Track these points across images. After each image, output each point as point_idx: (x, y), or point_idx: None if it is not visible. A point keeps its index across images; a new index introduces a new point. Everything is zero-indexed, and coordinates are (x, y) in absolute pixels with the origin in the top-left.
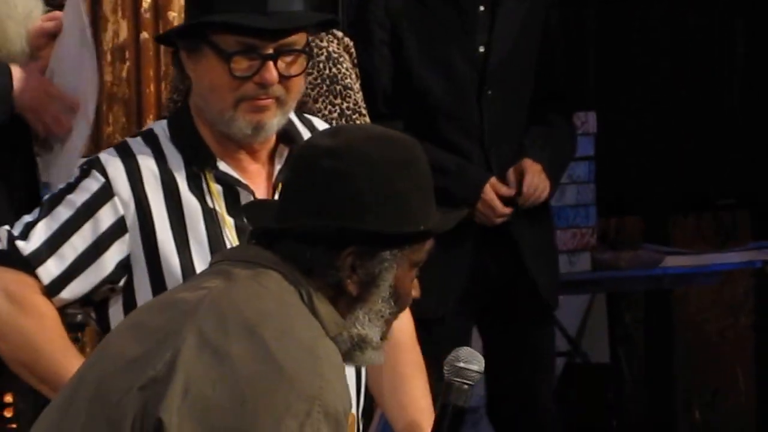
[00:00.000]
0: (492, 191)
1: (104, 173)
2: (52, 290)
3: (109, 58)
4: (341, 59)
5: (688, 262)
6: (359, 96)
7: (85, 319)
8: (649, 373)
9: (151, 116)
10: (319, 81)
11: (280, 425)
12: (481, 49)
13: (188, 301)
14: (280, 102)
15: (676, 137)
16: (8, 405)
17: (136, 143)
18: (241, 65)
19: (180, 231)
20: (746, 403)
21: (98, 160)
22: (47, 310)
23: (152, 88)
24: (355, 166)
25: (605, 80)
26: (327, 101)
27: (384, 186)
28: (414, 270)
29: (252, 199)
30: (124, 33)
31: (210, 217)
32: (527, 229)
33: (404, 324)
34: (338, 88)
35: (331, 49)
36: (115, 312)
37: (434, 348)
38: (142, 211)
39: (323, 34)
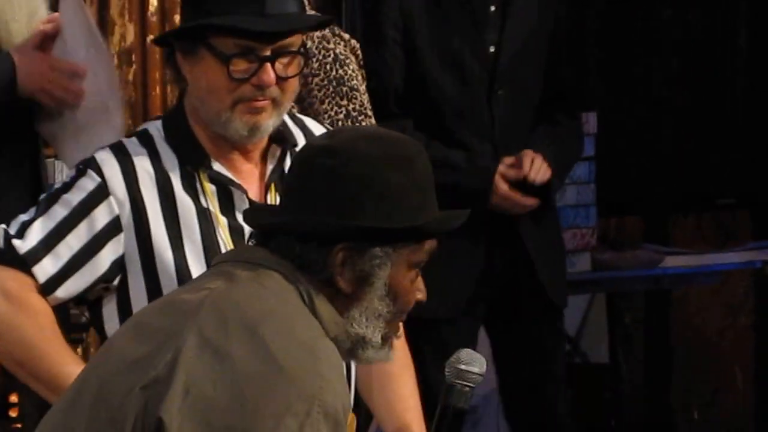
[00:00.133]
0: (504, 183)
1: (100, 173)
2: (47, 289)
3: (116, 61)
4: (348, 61)
5: (688, 262)
6: (365, 97)
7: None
8: (648, 373)
9: None
10: (325, 82)
11: (279, 425)
12: (492, 49)
13: (190, 302)
14: (275, 103)
15: (676, 137)
16: (13, 405)
17: (131, 143)
18: (239, 67)
19: (174, 230)
20: (745, 403)
21: (94, 159)
22: (43, 308)
23: (158, 90)
24: (349, 162)
25: (606, 80)
26: (333, 102)
27: (377, 183)
28: (413, 271)
29: (245, 198)
30: (130, 36)
31: (204, 217)
32: (535, 229)
33: None
34: (345, 89)
35: (338, 50)
36: (109, 311)
37: (443, 348)
38: (137, 211)
39: (330, 35)
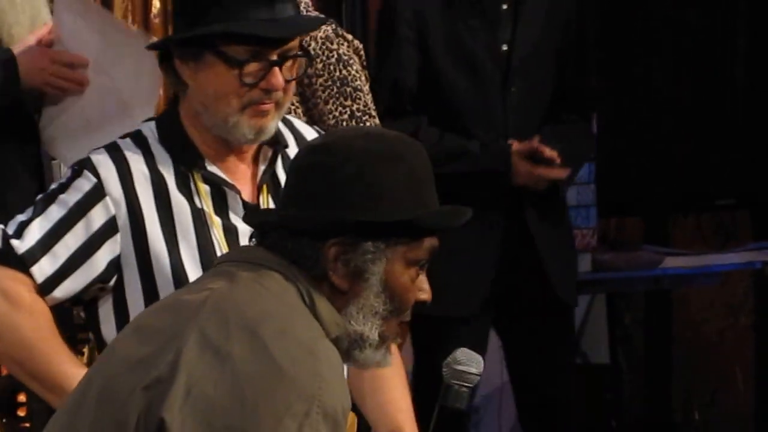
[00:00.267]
0: (522, 161)
1: (96, 173)
2: (45, 289)
3: None
4: (351, 61)
5: (688, 263)
6: (369, 98)
7: None
8: (648, 374)
9: None
10: (329, 83)
11: (279, 425)
12: (504, 48)
13: (191, 303)
14: (278, 105)
15: (676, 137)
16: (21, 404)
17: (126, 144)
18: (250, 72)
19: (170, 230)
20: (745, 403)
21: (89, 160)
22: (40, 308)
23: (161, 91)
24: (341, 158)
25: (606, 81)
26: (337, 103)
27: (368, 178)
28: (413, 269)
29: (238, 199)
30: None
31: (198, 217)
32: (546, 228)
33: None
34: (348, 90)
35: (341, 51)
36: (105, 311)
37: (457, 347)
38: (133, 211)
39: (333, 36)
